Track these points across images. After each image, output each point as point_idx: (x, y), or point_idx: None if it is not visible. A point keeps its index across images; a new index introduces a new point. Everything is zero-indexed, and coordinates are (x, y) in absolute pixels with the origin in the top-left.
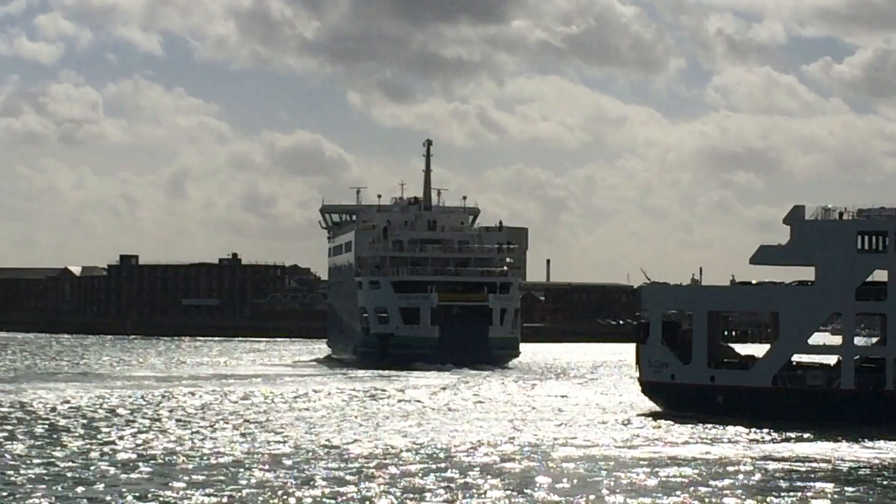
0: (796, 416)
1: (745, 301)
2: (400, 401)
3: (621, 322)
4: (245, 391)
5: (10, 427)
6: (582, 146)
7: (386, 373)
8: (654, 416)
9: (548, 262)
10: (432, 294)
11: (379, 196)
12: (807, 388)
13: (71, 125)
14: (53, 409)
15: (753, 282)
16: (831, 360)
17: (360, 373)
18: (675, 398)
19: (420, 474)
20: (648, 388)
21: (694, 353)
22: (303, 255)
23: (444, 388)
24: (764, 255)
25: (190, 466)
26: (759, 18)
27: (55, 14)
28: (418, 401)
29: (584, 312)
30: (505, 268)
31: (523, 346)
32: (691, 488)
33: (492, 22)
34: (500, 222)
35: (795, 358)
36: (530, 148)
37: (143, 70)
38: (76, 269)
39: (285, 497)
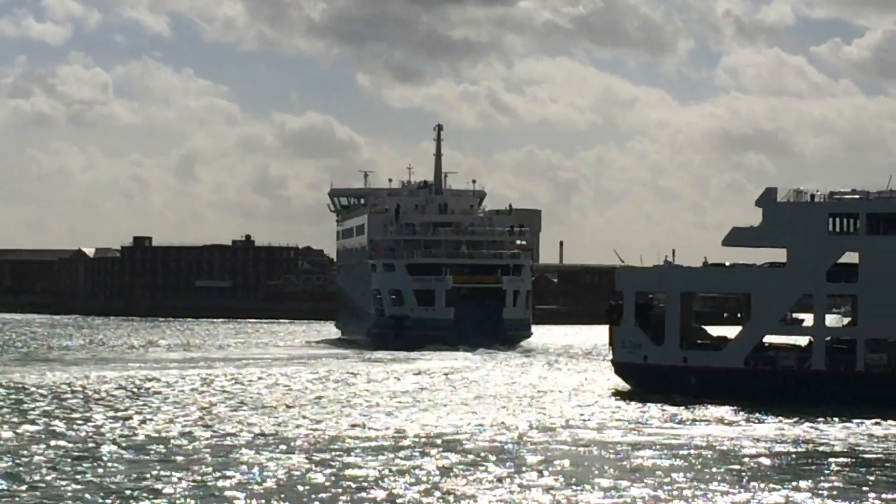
0: (768, 397)
1: (717, 282)
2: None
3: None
4: (319, 371)
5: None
6: (592, 128)
7: (428, 354)
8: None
9: (560, 243)
10: (447, 276)
11: (390, 180)
12: (779, 368)
13: (80, 107)
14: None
15: (727, 264)
16: (803, 341)
17: (388, 354)
18: (647, 379)
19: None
20: (621, 369)
21: (667, 335)
22: (314, 237)
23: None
24: (736, 237)
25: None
26: (768, 0)
27: None
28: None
29: (596, 294)
30: (516, 250)
31: (536, 328)
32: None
33: (499, 3)
34: (510, 205)
35: (767, 339)
36: (540, 130)
37: (151, 51)
38: (89, 251)
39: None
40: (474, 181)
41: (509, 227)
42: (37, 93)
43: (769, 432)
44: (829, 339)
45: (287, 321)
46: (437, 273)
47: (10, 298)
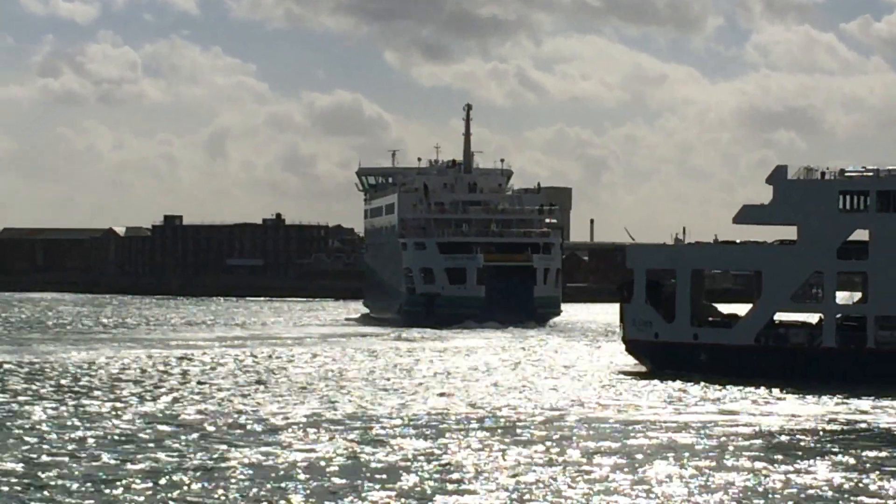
0: (779, 375)
1: (728, 260)
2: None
3: None
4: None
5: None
6: (621, 105)
7: (486, 332)
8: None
9: (591, 221)
10: (478, 255)
11: (419, 160)
12: (789, 346)
13: (109, 85)
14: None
15: (738, 241)
16: (814, 318)
17: (434, 331)
18: (658, 356)
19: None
20: (632, 346)
21: (677, 312)
22: (344, 215)
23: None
24: (747, 215)
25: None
26: None
27: None
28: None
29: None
30: (545, 228)
31: (566, 306)
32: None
33: None
34: (538, 184)
35: (778, 316)
36: (570, 107)
37: (179, 30)
38: (120, 230)
39: None
40: (503, 160)
41: (538, 205)
42: (66, 72)
43: (802, 411)
44: (839, 316)
45: (320, 299)
46: (467, 251)
47: (41, 276)
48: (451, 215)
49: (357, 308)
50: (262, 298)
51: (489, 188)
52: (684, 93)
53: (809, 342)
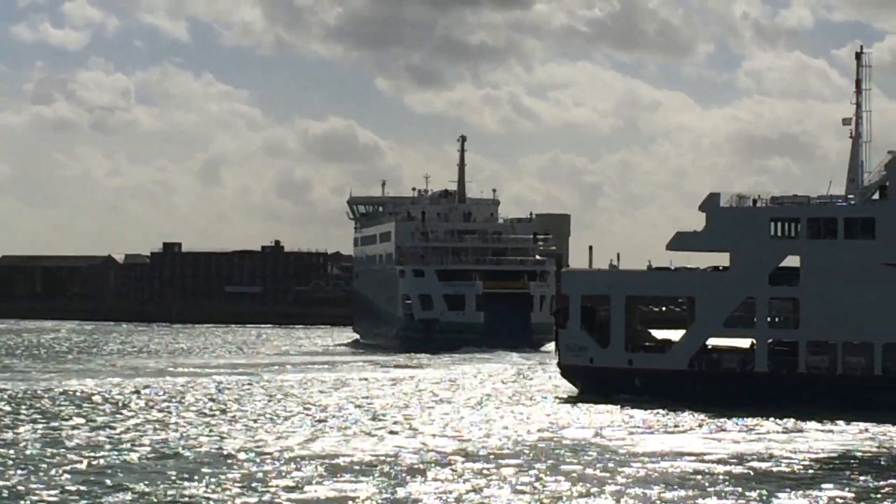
0: (712, 399)
1: (662, 286)
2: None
3: (664, 308)
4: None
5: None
6: (615, 131)
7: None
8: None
9: (590, 248)
10: (477, 282)
11: (414, 189)
12: (722, 370)
13: (102, 112)
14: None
15: (672, 267)
16: (746, 343)
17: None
18: (593, 381)
19: None
20: (567, 371)
21: (612, 338)
22: (342, 241)
23: None
24: (680, 241)
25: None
26: (786, 4)
27: (81, 1)
28: None
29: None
30: (539, 256)
31: None
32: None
33: (514, 6)
34: (531, 213)
35: (711, 342)
36: (564, 134)
37: (171, 57)
38: (119, 257)
39: None
40: (494, 190)
41: (532, 233)
42: (58, 99)
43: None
44: (771, 341)
45: (318, 326)
46: (465, 279)
47: (40, 304)
48: (448, 243)
49: (349, 335)
50: (263, 325)
51: (482, 217)
52: (678, 119)
53: (742, 367)
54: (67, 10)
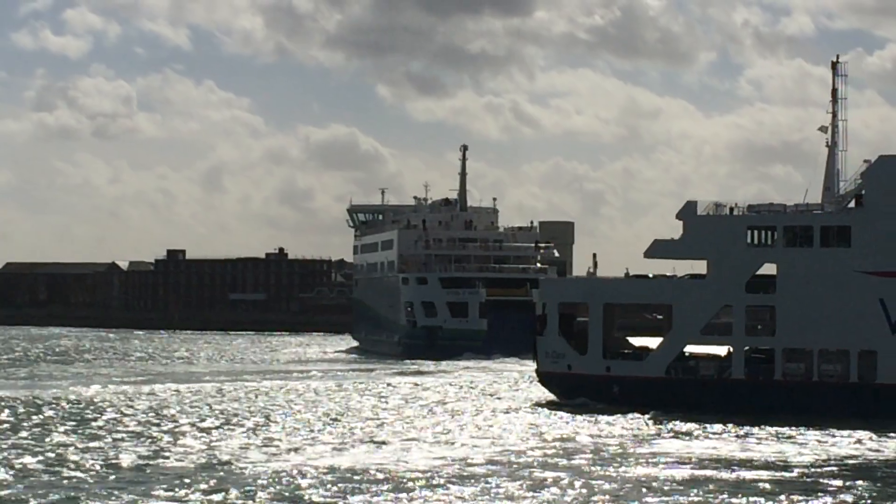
0: (689, 406)
1: (639, 294)
2: None
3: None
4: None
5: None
6: (617, 139)
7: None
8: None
9: (594, 255)
10: (481, 289)
11: (415, 198)
12: (699, 377)
13: (104, 119)
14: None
15: (650, 275)
16: (723, 350)
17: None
18: (571, 388)
19: None
20: (546, 378)
21: (590, 345)
22: (345, 249)
23: None
24: (657, 249)
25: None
26: (787, 12)
27: (82, 9)
28: None
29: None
30: (539, 264)
31: None
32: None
33: (515, 13)
34: (532, 221)
35: (688, 349)
36: (565, 141)
37: (172, 64)
38: (122, 264)
39: None
40: (494, 199)
41: (533, 241)
42: (60, 106)
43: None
44: (747, 348)
45: (321, 334)
46: (468, 286)
47: (45, 311)
48: (450, 251)
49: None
50: (265, 332)
51: (483, 225)
52: (679, 127)
53: (719, 374)
54: (68, 17)
